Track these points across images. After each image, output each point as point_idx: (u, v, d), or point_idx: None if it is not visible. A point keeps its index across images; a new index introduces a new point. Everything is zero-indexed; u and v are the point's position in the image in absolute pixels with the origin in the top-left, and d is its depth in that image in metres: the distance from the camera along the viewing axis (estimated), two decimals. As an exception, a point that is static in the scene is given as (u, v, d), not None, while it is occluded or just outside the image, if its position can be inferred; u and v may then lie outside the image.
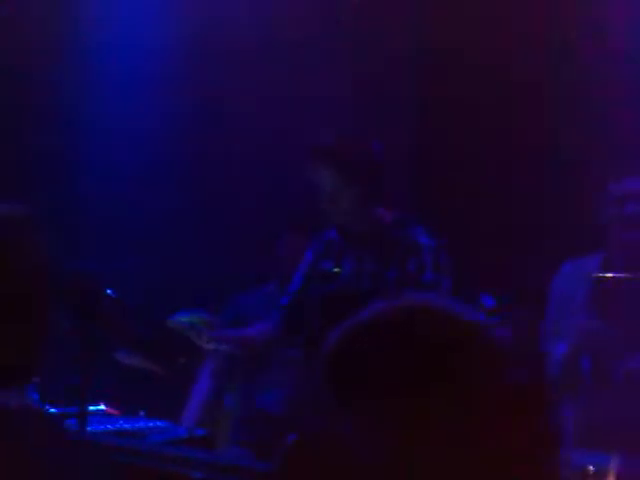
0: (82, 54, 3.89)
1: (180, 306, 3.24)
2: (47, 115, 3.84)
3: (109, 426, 2.72)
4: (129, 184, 3.77)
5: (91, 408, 2.68)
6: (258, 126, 3.64)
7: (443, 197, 3.39)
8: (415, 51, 3.53)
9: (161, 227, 3.76)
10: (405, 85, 3.56)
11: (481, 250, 3.19)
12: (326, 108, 3.35)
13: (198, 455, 2.17)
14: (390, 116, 3.43)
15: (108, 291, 2.56)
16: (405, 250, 2.50)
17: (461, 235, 3.06)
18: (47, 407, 2.61)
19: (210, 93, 3.76)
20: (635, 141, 2.92)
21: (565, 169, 3.15)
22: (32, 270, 1.13)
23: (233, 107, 3.71)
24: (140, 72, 3.86)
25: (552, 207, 3.17)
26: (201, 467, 1.95)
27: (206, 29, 3.75)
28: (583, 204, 2.62)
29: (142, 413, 3.01)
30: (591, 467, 1.66)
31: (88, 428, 2.43)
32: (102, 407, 2.87)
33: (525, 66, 3.21)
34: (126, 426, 2.78)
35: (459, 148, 3.36)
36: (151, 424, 2.90)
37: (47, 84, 3.81)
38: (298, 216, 3.22)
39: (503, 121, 3.30)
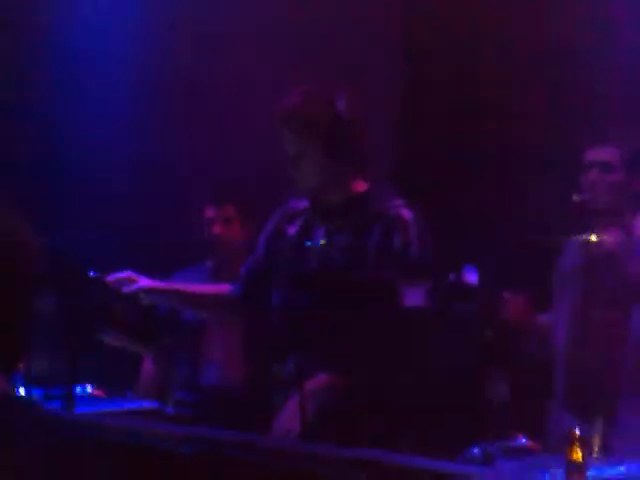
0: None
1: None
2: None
3: (96, 407, 2.72)
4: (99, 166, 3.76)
5: (78, 390, 2.68)
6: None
7: (427, 166, 3.39)
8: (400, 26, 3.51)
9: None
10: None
11: (465, 221, 3.21)
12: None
13: (185, 431, 2.17)
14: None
15: (91, 272, 2.55)
16: (388, 224, 2.39)
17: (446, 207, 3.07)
18: (33, 390, 2.60)
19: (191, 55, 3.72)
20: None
21: (553, 137, 3.17)
22: (11, 253, 1.12)
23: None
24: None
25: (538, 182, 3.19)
26: (189, 442, 1.95)
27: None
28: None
29: (129, 394, 3.01)
30: (577, 430, 1.69)
31: (75, 410, 2.43)
32: (89, 389, 2.87)
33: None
34: (113, 407, 2.79)
35: (443, 121, 3.36)
36: (138, 405, 2.91)
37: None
38: (218, 190, 3.11)
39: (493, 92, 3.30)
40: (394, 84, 3.56)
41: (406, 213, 2.42)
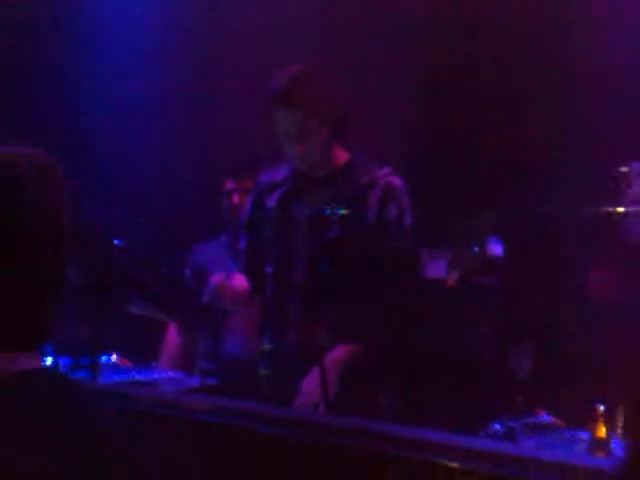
0: None
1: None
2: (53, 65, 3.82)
3: (121, 377, 2.75)
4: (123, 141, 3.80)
5: (103, 359, 2.71)
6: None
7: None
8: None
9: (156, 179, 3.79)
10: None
11: (490, 192, 3.18)
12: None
13: (210, 400, 2.19)
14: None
15: (117, 242, 2.56)
16: (382, 193, 2.43)
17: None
18: (59, 359, 2.64)
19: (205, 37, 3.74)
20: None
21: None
22: (53, 219, 1.11)
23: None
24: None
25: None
26: (214, 411, 1.97)
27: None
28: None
29: (154, 364, 3.04)
30: (601, 406, 1.69)
31: (100, 379, 2.46)
32: (114, 358, 2.90)
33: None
34: (138, 377, 2.82)
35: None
36: (163, 374, 2.94)
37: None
38: (237, 163, 3.19)
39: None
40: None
41: (397, 181, 2.46)
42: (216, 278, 2.52)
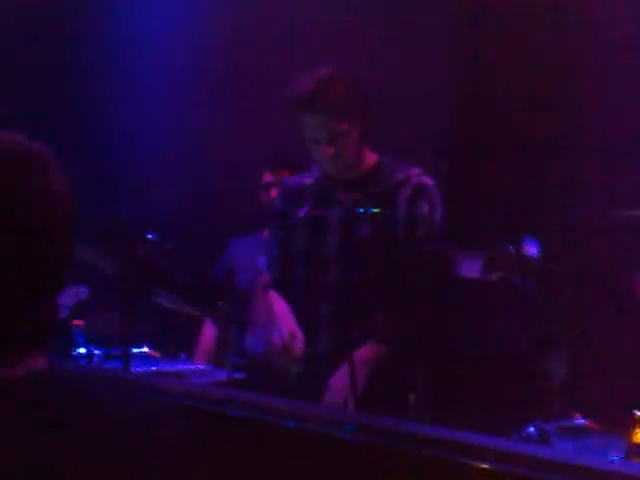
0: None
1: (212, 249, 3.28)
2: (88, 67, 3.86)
3: (152, 367, 2.77)
4: (159, 137, 3.81)
5: (134, 350, 2.72)
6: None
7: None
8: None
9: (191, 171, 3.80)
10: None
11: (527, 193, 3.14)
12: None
13: (236, 394, 2.17)
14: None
15: (149, 235, 2.57)
16: (413, 191, 2.42)
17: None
18: (92, 349, 2.66)
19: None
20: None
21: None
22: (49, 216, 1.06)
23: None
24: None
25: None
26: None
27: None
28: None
29: (183, 356, 3.05)
30: (638, 412, 1.65)
31: (131, 369, 2.47)
32: (145, 349, 2.92)
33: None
34: (168, 368, 2.83)
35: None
36: (192, 366, 2.94)
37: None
38: (277, 158, 3.17)
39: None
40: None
41: (428, 180, 2.47)
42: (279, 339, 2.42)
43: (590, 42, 3.07)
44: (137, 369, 2.59)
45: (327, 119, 2.37)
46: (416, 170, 2.48)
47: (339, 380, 2.34)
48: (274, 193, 3.10)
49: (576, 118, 3.16)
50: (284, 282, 2.56)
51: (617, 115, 3.00)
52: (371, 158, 2.50)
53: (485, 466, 1.52)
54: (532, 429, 1.76)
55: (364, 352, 2.35)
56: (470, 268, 2.80)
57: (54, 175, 1.06)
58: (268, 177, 3.17)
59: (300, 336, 2.42)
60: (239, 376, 2.82)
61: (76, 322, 2.71)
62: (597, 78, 3.06)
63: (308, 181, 2.55)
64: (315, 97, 2.36)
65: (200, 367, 2.97)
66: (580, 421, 1.86)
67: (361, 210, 2.41)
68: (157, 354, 2.95)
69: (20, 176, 1.04)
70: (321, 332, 2.44)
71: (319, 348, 2.43)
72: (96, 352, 2.64)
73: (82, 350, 2.67)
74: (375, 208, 2.41)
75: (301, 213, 2.52)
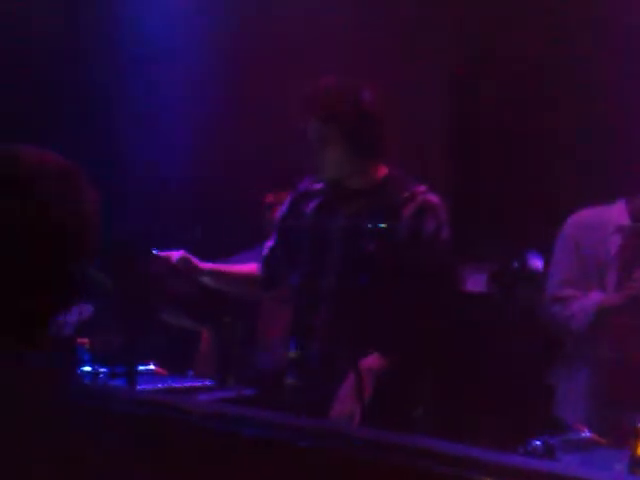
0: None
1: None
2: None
3: (158, 385, 2.76)
4: (165, 151, 3.83)
5: (141, 368, 2.72)
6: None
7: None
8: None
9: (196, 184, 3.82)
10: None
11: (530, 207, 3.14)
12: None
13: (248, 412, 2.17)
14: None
15: (154, 251, 2.58)
16: (418, 208, 2.42)
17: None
18: (98, 367, 2.66)
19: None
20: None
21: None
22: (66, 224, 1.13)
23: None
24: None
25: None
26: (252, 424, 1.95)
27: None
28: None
29: (190, 373, 3.05)
30: (642, 425, 1.64)
31: (138, 386, 2.47)
32: (151, 367, 2.92)
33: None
34: (174, 385, 2.83)
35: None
36: (199, 383, 2.94)
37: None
38: (277, 178, 3.22)
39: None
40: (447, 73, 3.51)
41: (434, 198, 2.46)
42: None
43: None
44: (143, 386, 2.59)
45: (316, 124, 2.40)
46: (422, 187, 2.48)
47: (346, 391, 2.34)
48: (276, 213, 3.14)
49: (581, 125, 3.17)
50: (267, 272, 2.61)
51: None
52: (381, 171, 2.50)
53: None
54: (538, 443, 1.76)
55: (369, 361, 2.35)
56: (475, 282, 2.79)
57: (87, 187, 1.21)
58: (270, 198, 3.24)
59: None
60: (248, 392, 2.82)
61: (81, 340, 2.71)
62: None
63: (317, 186, 2.57)
64: (312, 100, 2.42)
65: (207, 383, 2.96)
66: (586, 434, 1.85)
67: (370, 225, 2.42)
68: (164, 371, 2.95)
69: (64, 191, 1.16)
70: (315, 340, 2.44)
71: (312, 355, 2.44)
72: (101, 370, 2.64)
73: (87, 368, 2.67)
74: (380, 223, 2.42)
75: (304, 214, 2.54)
